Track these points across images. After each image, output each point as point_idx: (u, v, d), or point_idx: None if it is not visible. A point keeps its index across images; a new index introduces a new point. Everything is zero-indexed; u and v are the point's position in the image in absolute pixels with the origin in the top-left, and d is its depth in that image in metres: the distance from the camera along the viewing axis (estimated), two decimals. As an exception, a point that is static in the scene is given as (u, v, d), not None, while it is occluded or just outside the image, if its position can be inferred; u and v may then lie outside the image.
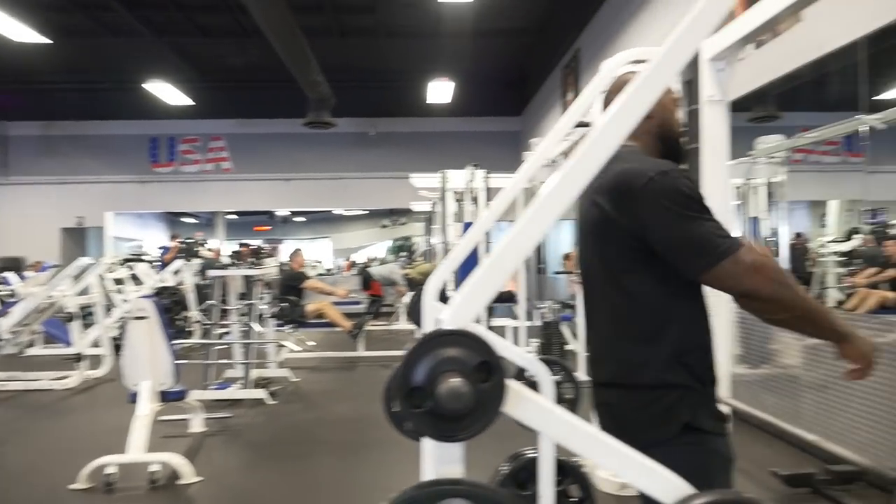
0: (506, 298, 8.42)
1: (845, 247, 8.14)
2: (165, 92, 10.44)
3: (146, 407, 3.52)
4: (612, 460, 0.99)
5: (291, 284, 7.28)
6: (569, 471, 2.30)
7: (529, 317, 6.70)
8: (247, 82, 11.76)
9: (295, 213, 20.40)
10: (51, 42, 8.31)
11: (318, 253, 20.40)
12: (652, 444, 1.33)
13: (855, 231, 8.51)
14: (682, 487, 1.00)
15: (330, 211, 18.96)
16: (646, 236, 1.31)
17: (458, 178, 7.00)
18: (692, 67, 2.29)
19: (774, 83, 4.38)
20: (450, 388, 0.86)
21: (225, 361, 5.72)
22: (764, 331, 4.20)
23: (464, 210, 6.98)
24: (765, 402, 4.06)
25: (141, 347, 3.55)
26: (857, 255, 7.20)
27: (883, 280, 6.00)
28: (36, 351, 7.88)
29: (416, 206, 10.71)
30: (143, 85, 10.10)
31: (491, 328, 7.06)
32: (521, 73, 12.04)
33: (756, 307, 1.28)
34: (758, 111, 9.36)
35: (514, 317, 6.81)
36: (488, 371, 0.93)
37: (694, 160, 2.31)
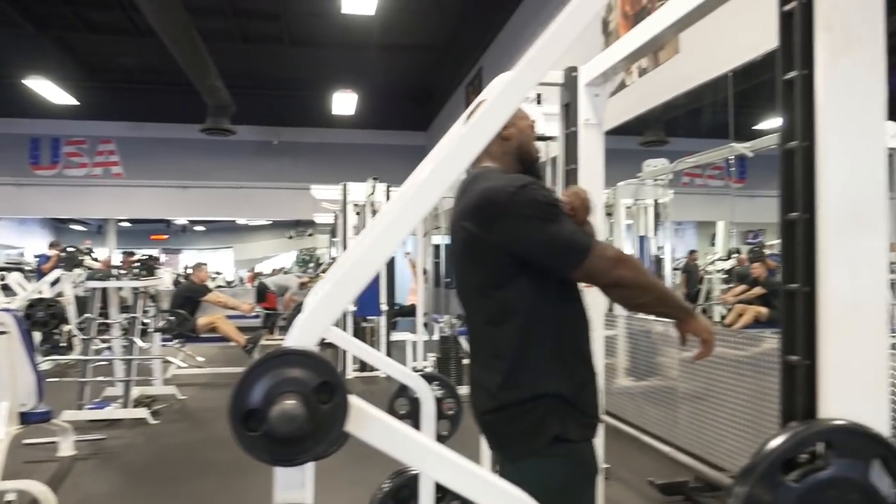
0: (409, 312, 8.44)
1: (727, 265, 8.73)
2: (48, 90, 9.75)
3: (3, 430, 3.21)
4: (459, 480, 0.98)
5: (190, 297, 6.95)
6: (448, 489, 2.30)
7: (429, 331, 6.72)
8: (140, 84, 11.20)
9: (194, 223, 19.60)
10: None
11: (219, 264, 19.66)
12: (522, 457, 1.42)
13: (736, 251, 9.15)
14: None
15: (233, 221, 18.34)
16: (514, 249, 1.38)
17: (358, 190, 6.95)
18: (571, 91, 2.37)
19: (658, 110, 4.63)
20: (282, 411, 0.82)
21: (104, 379, 5.36)
22: (649, 345, 4.41)
23: (364, 223, 6.93)
24: (647, 413, 4.26)
25: (-1, 365, 3.24)
26: (734, 273, 7.72)
27: (749, 297, 6.44)
28: None
29: (319, 218, 10.54)
30: (24, 81, 9.39)
31: (391, 342, 7.03)
32: (427, 88, 12.15)
33: (623, 295, 1.40)
34: (648, 136, 9.93)
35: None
36: (330, 391, 0.91)
37: (572, 181, 2.38)
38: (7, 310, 3.39)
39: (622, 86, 4.46)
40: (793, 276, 1.17)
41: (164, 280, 7.45)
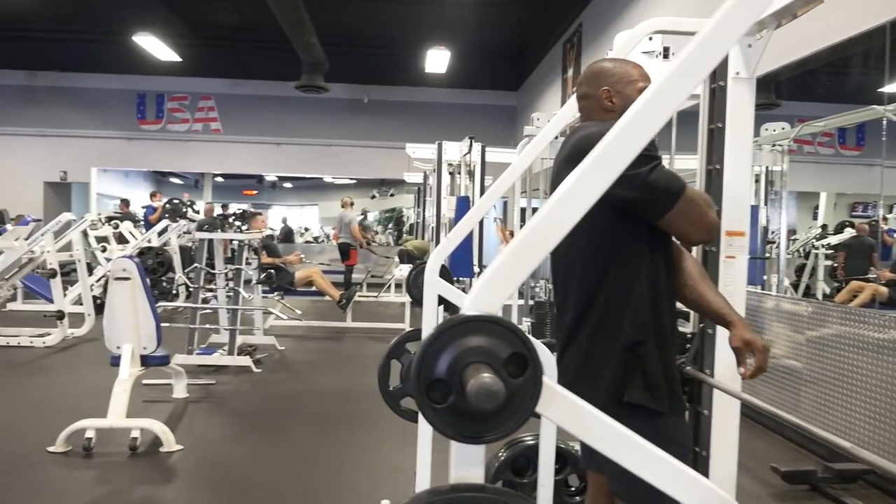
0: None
1: (835, 240, 8.14)
2: (154, 46, 10.09)
3: (127, 371, 3.39)
4: (660, 476, 0.88)
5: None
6: (568, 459, 2.23)
7: (523, 295, 6.62)
8: (239, 41, 11.42)
9: (283, 179, 20.11)
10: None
11: (306, 220, 20.20)
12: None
13: (849, 224, 8.50)
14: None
15: (320, 178, 18.67)
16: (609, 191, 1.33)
17: (454, 150, 6.85)
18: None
19: (787, 68, 4.25)
20: (481, 386, 0.74)
21: (210, 326, 5.59)
22: (761, 318, 4.14)
23: (458, 183, 6.84)
24: (764, 394, 4.02)
25: (123, 309, 3.40)
26: (845, 248, 7.16)
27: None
28: (17, 306, 7.72)
29: (410, 177, 10.54)
30: (133, 38, 9.76)
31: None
32: (521, 46, 11.79)
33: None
34: (759, 98, 9.25)
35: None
36: (522, 364, 0.82)
37: (718, 140, 2.20)
38: (129, 257, 3.54)
39: (751, 40, 4.10)
40: None
41: (265, 233, 7.69)
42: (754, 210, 6.20)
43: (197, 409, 4.08)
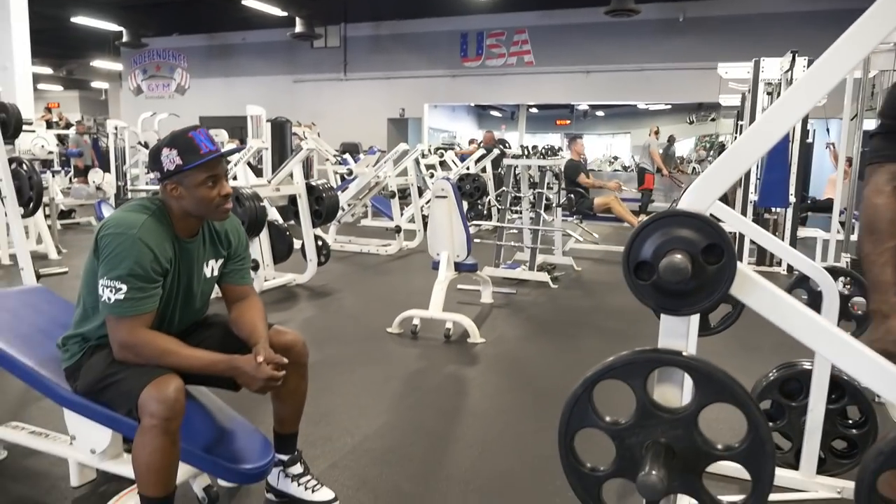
0: (823, 208, 7.47)
1: None
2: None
3: (444, 274, 4.08)
4: (850, 359, 0.95)
5: (569, 176, 7.35)
6: (847, 390, 2.15)
7: (846, 230, 5.88)
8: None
9: (595, 108, 20.09)
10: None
11: (617, 149, 20.01)
12: None
13: None
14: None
15: (633, 105, 18.22)
16: None
17: (773, 67, 6.22)
18: None
19: None
20: (669, 263, 0.92)
21: (515, 244, 6.21)
22: None
23: (777, 104, 6.21)
24: None
25: (441, 222, 4.07)
26: None
27: None
28: (368, 222, 9.46)
29: (725, 100, 9.79)
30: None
31: (798, 239, 6.39)
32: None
33: None
34: None
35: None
36: (719, 255, 0.97)
37: None
38: (446, 178, 4.17)
39: None
40: None
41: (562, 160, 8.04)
42: None
43: (499, 312, 4.68)
